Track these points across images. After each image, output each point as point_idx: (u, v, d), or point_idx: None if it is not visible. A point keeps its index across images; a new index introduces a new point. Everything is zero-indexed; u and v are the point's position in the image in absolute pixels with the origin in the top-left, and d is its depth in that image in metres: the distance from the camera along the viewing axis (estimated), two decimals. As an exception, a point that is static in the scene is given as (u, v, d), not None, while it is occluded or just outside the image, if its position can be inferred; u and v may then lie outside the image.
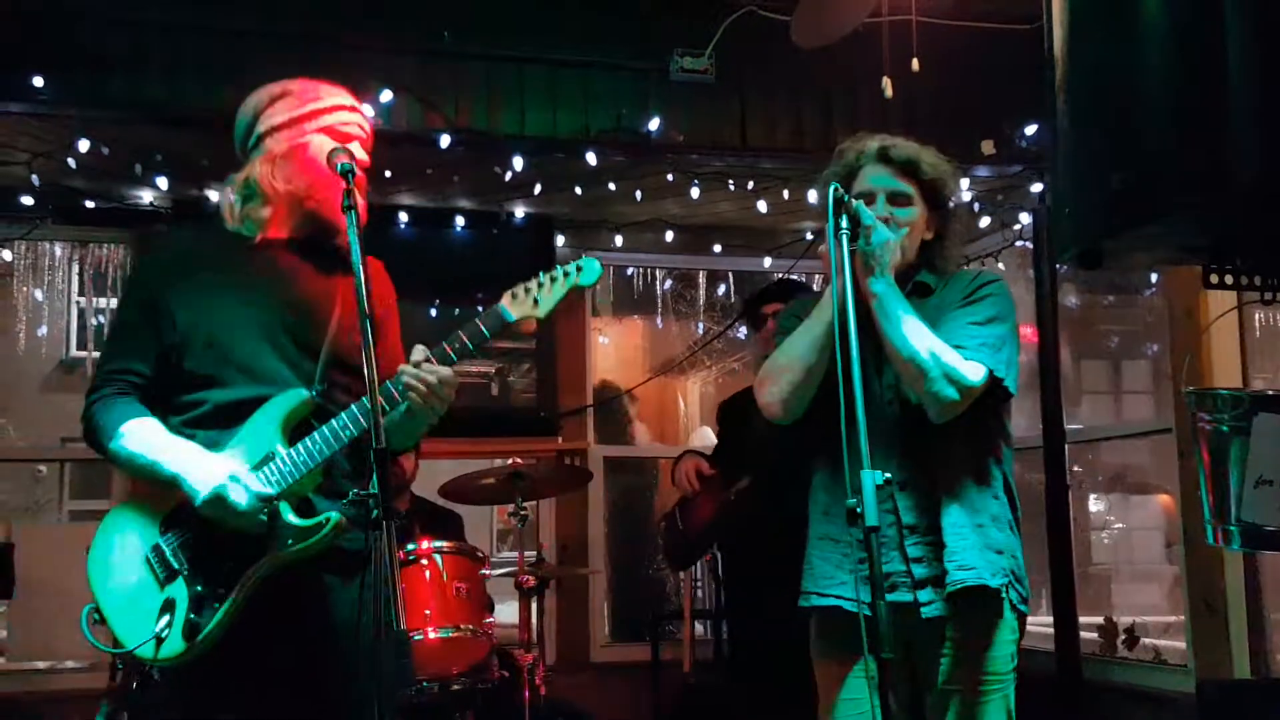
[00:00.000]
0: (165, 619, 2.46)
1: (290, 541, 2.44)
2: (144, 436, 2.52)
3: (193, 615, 2.44)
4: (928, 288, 2.82)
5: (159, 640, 2.44)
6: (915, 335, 2.61)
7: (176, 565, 2.50)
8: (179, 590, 2.48)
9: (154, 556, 2.52)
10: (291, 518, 2.45)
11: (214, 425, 2.52)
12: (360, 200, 2.42)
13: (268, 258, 2.61)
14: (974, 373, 2.62)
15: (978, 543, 2.65)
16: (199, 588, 2.46)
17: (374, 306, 2.36)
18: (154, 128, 4.54)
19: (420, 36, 4.63)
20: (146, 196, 5.32)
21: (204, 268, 2.63)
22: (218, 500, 2.41)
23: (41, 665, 5.40)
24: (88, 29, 4.32)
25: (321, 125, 2.61)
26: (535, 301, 2.45)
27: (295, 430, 2.50)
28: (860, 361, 2.62)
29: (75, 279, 6.49)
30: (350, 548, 2.52)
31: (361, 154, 2.62)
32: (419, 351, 2.49)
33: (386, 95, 4.53)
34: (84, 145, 4.59)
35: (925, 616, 2.65)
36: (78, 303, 7.08)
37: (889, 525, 2.62)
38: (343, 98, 2.69)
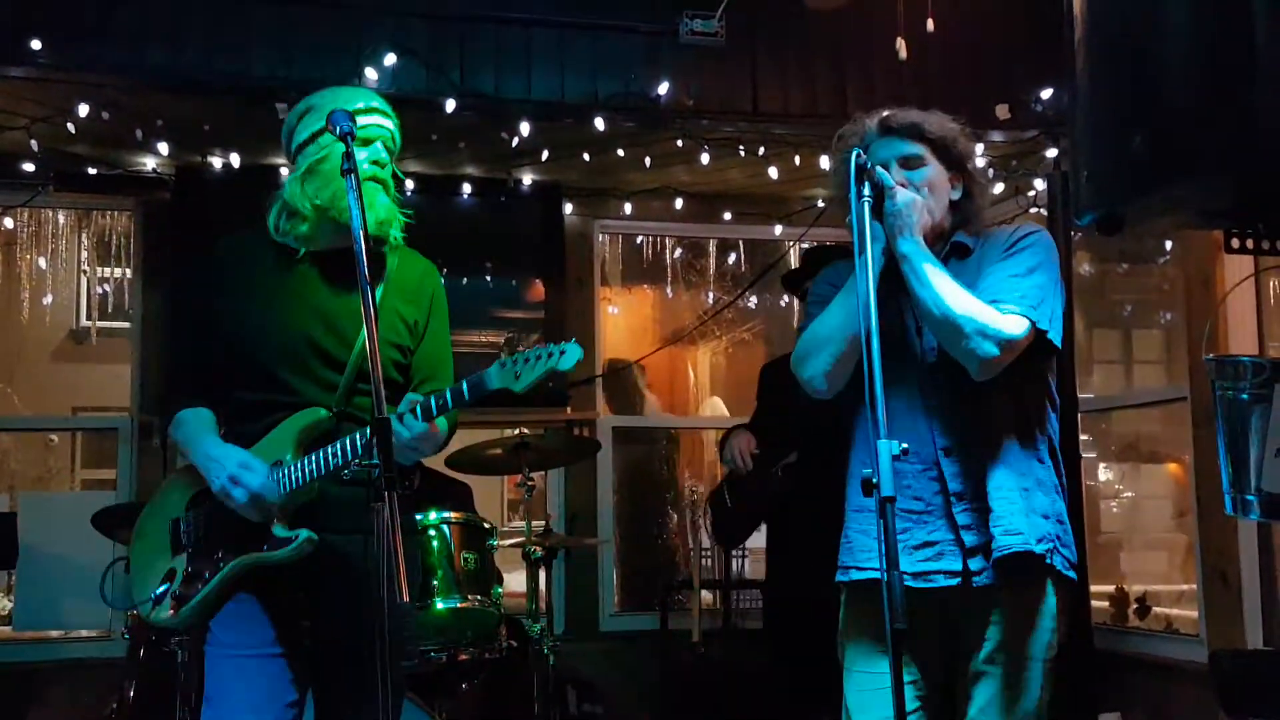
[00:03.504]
0: (165, 586, 2.71)
1: (266, 548, 2.62)
2: (188, 428, 2.73)
3: (181, 590, 2.68)
4: (966, 248, 2.75)
5: (156, 601, 2.70)
6: (948, 293, 2.54)
7: (185, 541, 2.74)
8: (181, 563, 2.73)
9: (173, 527, 2.77)
10: (275, 526, 2.62)
11: (238, 423, 2.73)
12: (361, 157, 2.57)
13: (307, 272, 2.75)
14: (1013, 326, 2.54)
15: (1024, 507, 2.58)
16: (192, 567, 2.69)
17: (413, 306, 2.77)
18: (154, 93, 4.48)
19: (427, -1, 4.57)
20: (149, 163, 5.25)
21: (250, 277, 2.77)
22: (223, 492, 2.60)
23: (55, 634, 5.38)
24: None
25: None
26: (517, 375, 2.54)
27: (311, 444, 2.65)
28: (901, 326, 2.56)
29: (81, 248, 6.44)
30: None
31: (382, 154, 2.72)
32: (406, 402, 2.58)
33: (391, 59, 4.47)
34: (83, 110, 4.52)
35: (976, 585, 2.59)
36: (84, 272, 7.03)
37: (935, 494, 2.60)
38: (361, 99, 2.73)
